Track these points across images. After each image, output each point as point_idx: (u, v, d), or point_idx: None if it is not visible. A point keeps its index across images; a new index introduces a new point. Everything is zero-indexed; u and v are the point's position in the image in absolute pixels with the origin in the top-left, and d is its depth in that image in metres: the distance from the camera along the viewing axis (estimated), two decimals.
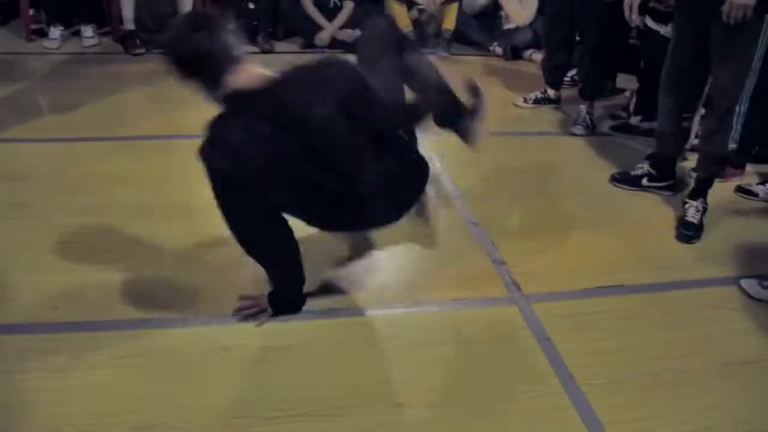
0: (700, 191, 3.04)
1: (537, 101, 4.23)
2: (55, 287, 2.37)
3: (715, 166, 3.06)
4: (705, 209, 3.01)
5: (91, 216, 2.79)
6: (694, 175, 3.15)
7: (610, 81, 4.29)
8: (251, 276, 2.39)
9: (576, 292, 2.52)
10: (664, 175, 3.27)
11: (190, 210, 2.84)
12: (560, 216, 3.07)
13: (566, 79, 4.40)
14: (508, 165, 3.49)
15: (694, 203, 3.00)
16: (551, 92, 4.26)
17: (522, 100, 4.24)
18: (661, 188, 3.27)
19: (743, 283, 2.59)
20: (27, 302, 2.29)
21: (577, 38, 4.10)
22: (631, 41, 4.13)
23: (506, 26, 5.23)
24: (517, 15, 5.13)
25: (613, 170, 3.44)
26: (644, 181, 3.28)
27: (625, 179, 3.33)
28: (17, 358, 2.06)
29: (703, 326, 2.41)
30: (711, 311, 2.49)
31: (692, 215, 2.97)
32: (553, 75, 4.22)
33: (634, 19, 3.11)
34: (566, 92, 4.37)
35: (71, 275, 2.43)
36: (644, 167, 3.30)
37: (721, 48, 2.76)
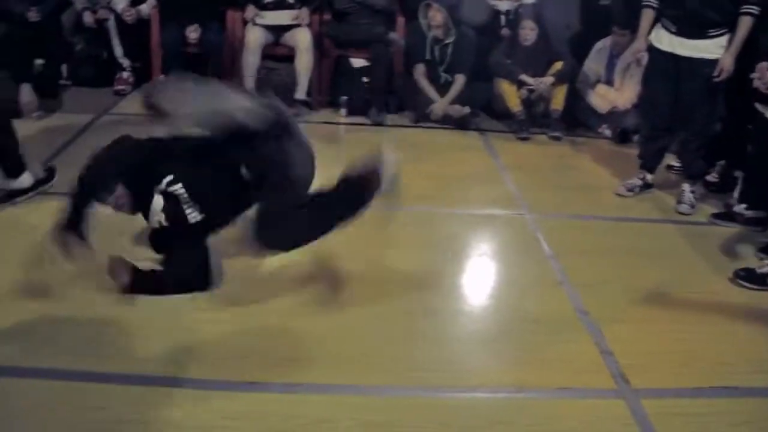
0: None
1: (639, 188, 4.17)
2: None
3: None
4: None
5: None
6: None
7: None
8: None
9: (688, 390, 2.45)
10: None
11: None
12: (673, 307, 2.99)
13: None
14: (619, 252, 3.44)
15: None
16: (649, 177, 4.20)
17: (624, 189, 4.16)
18: None
19: None
20: None
21: None
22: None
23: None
24: (613, 100, 5.10)
25: (733, 263, 3.34)
26: None
27: (751, 277, 3.16)
28: None
29: None
30: None
31: None
32: (654, 159, 4.18)
33: None
34: (662, 175, 4.34)
35: None
36: None
37: None
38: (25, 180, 3.50)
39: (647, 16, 3.92)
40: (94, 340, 2.50)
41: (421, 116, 5.22)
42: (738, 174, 4.13)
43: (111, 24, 5.43)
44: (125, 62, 5.54)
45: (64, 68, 5.61)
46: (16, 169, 3.46)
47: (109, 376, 2.31)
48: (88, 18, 5.47)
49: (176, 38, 5.10)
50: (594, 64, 5.24)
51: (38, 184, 3.55)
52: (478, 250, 3.43)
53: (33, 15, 5.06)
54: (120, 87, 5.50)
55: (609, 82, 5.20)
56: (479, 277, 3.22)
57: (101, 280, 2.74)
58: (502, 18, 5.57)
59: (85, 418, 2.14)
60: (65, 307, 2.67)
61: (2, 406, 2.17)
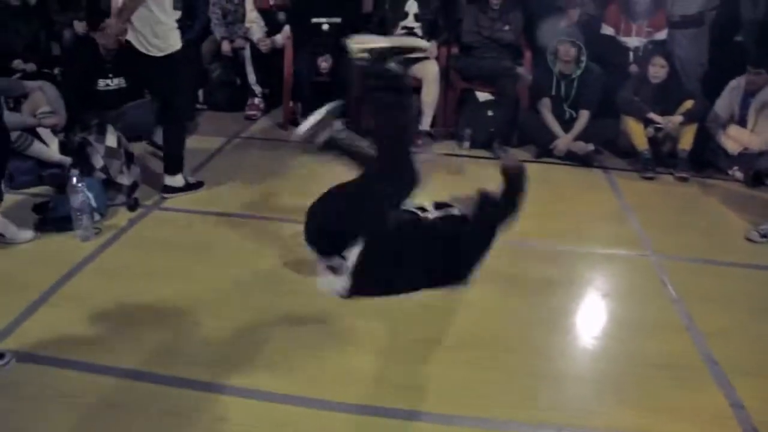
0: None
1: None
2: None
3: None
4: None
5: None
6: None
7: None
8: None
9: None
10: None
11: None
12: None
13: None
14: (749, 300, 3.31)
15: None
16: None
17: (757, 235, 3.98)
18: None
19: None
20: None
21: None
22: None
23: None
24: (746, 142, 4.91)
25: None
26: None
27: None
28: None
29: None
30: None
31: None
32: None
33: None
34: None
35: None
36: None
37: None
38: (178, 180, 4.12)
39: None
40: (225, 355, 2.64)
41: (544, 151, 5.19)
42: None
43: (246, 53, 5.72)
44: (257, 89, 5.81)
45: (200, 93, 5.94)
46: (174, 168, 4.11)
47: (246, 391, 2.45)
48: (225, 47, 5.80)
49: (308, 67, 5.30)
50: (727, 103, 5.08)
51: (188, 187, 4.17)
52: (601, 289, 3.38)
53: None
54: (251, 112, 5.77)
55: (742, 123, 5.02)
56: (603, 317, 3.17)
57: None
58: (631, 54, 5.49)
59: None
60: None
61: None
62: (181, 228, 3.76)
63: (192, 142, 5.09)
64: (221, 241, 3.59)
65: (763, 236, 3.97)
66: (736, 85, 5.06)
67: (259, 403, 2.41)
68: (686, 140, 5.01)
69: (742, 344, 2.93)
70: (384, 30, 5.37)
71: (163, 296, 3.04)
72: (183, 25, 5.54)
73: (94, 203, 3.59)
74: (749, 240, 3.97)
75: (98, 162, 3.93)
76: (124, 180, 3.98)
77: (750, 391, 2.59)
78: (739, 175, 4.98)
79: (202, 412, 2.35)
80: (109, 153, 3.96)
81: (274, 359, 2.64)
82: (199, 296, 3.05)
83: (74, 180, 3.48)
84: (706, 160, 5.16)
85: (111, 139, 4.00)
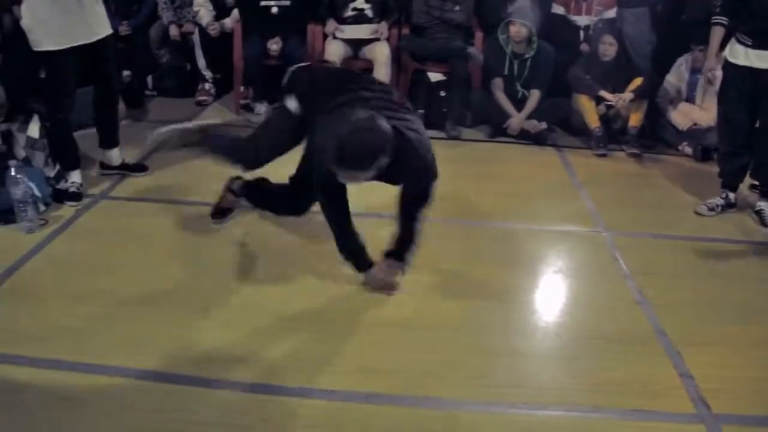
0: None
1: (721, 208, 4.06)
2: None
3: None
4: None
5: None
6: None
7: None
8: None
9: None
10: None
11: None
12: (755, 332, 2.90)
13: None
14: (699, 273, 3.37)
15: None
16: (731, 196, 4.09)
17: (705, 208, 4.06)
18: None
19: None
20: None
21: None
22: None
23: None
24: (695, 117, 4.99)
25: None
26: None
27: None
28: None
29: None
30: None
31: None
32: (735, 178, 4.07)
33: None
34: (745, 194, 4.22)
35: None
36: None
37: None
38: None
39: (717, 33, 3.85)
40: (183, 345, 2.60)
41: (498, 131, 5.20)
42: None
43: (195, 37, 5.62)
44: (207, 74, 5.71)
45: (149, 79, 5.83)
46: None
47: (199, 380, 2.42)
48: (173, 31, 5.68)
49: (258, 51, 5.22)
50: (675, 79, 5.15)
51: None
52: (554, 266, 3.40)
53: (123, 29, 5.33)
54: (202, 98, 5.67)
55: (690, 99, 5.10)
56: (556, 293, 3.20)
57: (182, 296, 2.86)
58: (582, 33, 5.52)
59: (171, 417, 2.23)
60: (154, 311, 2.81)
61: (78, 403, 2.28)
62: (129, 217, 3.68)
63: (141, 129, 5.00)
64: (172, 230, 3.52)
65: (711, 210, 4.04)
66: (683, 62, 5.12)
67: (202, 390, 2.38)
68: (636, 117, 5.07)
69: (690, 315, 2.98)
70: (334, 12, 5.34)
71: (114, 288, 2.96)
72: (130, 9, 5.50)
73: (37, 193, 3.48)
74: (698, 214, 4.04)
75: (20, 153, 3.73)
76: (51, 172, 3.80)
77: (698, 361, 2.63)
78: (688, 150, 5.06)
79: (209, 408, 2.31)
80: (30, 143, 3.77)
81: (213, 347, 2.61)
82: (153, 286, 2.98)
83: (12, 171, 3.34)
84: (656, 136, 5.23)
85: (33, 129, 3.80)
